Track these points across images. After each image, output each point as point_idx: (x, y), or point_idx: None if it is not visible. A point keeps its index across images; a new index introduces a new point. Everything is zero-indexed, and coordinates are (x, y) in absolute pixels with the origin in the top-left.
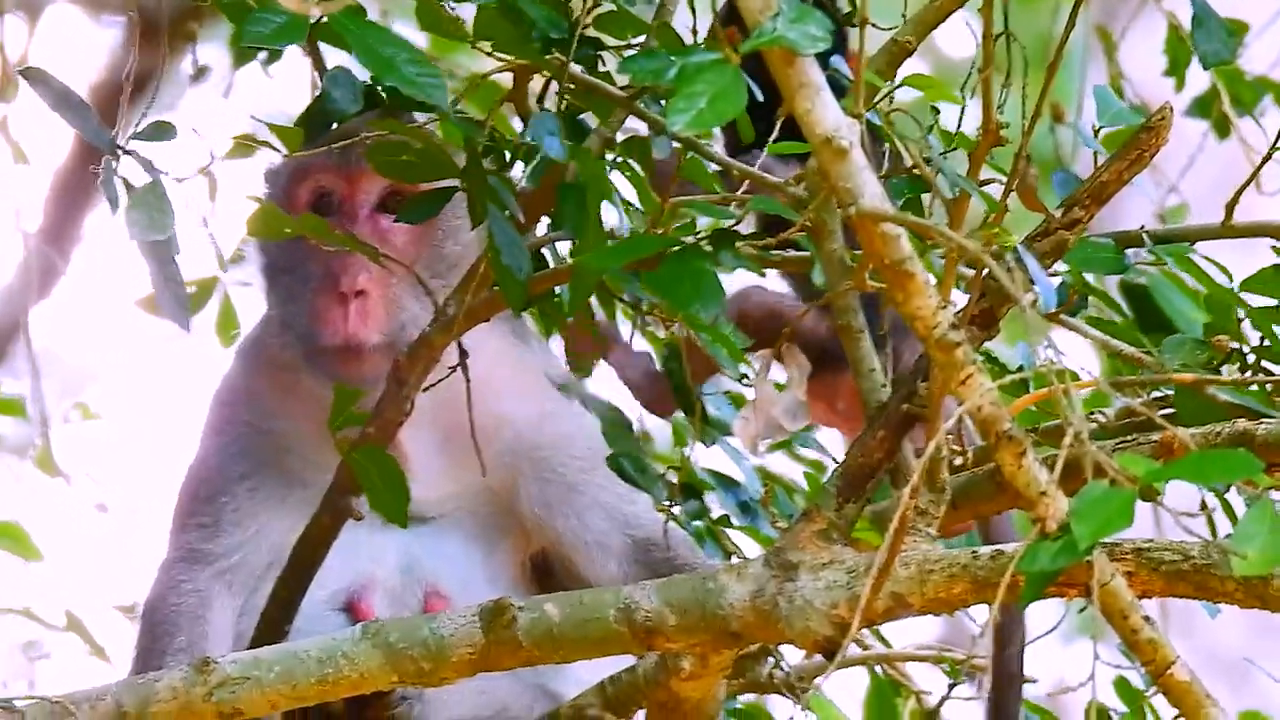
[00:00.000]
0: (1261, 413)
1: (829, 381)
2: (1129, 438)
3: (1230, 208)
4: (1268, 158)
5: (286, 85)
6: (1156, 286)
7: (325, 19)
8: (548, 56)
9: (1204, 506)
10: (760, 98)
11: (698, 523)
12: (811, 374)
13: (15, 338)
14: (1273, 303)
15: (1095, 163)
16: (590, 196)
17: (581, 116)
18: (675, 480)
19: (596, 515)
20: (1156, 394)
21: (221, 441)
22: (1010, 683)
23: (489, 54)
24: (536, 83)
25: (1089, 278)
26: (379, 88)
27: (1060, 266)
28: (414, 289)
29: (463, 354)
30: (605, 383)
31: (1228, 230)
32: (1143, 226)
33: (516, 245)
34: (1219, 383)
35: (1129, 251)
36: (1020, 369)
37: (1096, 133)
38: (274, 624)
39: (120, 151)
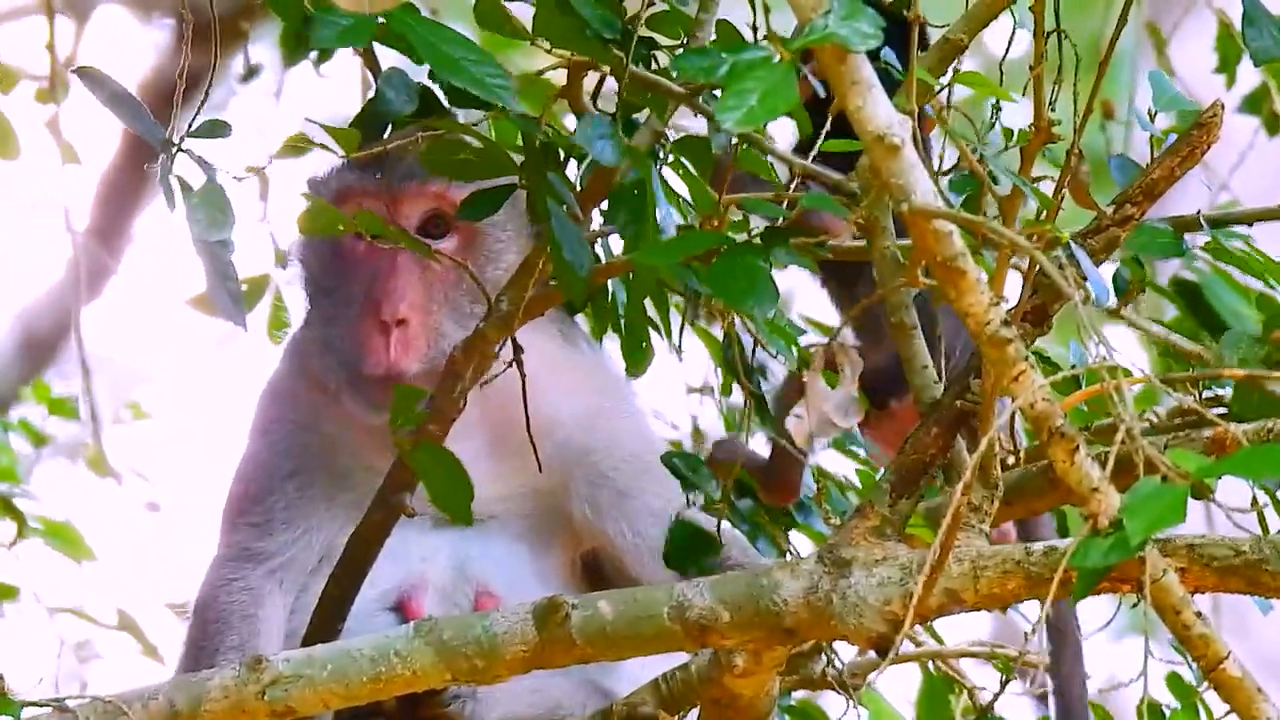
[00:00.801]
0: None
1: (882, 417)
2: (1181, 434)
3: None
4: None
5: (337, 85)
6: (1208, 284)
7: (384, 19)
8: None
9: (1255, 503)
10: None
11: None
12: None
13: (66, 338)
14: None
15: (1151, 150)
16: (645, 194)
17: (636, 115)
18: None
19: (647, 521)
20: (1209, 392)
21: (269, 440)
22: (1071, 682)
23: (547, 51)
24: (590, 81)
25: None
26: (435, 88)
27: (1117, 254)
28: (455, 316)
29: (517, 349)
30: (654, 381)
31: None
32: (1198, 211)
33: (577, 241)
34: (1273, 378)
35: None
36: (1073, 366)
37: (1152, 118)
38: (326, 622)
39: (175, 149)
